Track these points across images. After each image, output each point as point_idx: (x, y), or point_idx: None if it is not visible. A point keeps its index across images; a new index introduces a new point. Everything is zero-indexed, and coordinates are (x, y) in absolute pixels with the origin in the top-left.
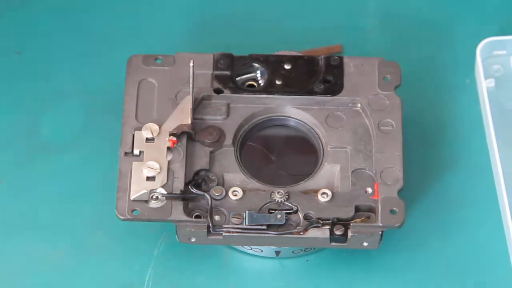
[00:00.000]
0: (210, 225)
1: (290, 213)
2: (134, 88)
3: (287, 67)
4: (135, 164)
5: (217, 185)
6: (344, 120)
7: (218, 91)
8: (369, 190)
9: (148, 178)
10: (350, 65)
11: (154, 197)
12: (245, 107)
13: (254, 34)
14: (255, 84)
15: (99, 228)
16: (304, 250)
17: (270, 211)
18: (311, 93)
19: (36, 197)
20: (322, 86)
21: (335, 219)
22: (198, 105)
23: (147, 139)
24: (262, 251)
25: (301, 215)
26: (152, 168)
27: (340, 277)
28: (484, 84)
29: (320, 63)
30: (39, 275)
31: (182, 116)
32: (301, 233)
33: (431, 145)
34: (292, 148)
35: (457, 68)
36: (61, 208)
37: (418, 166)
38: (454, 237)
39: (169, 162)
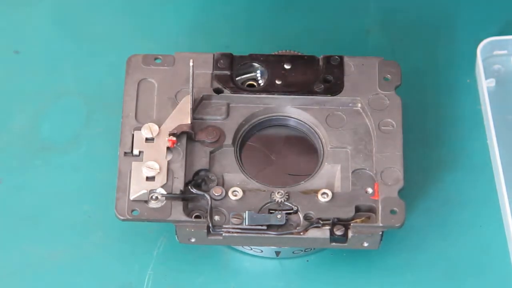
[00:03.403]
0: (210, 225)
1: (290, 213)
2: (134, 88)
3: (287, 67)
4: (134, 164)
5: (217, 185)
6: (344, 120)
7: (218, 91)
8: (370, 190)
9: (147, 178)
10: (350, 65)
11: (153, 197)
12: (245, 107)
13: (254, 34)
14: (255, 84)
15: (99, 228)
16: (304, 251)
17: (270, 211)
18: (311, 93)
19: (36, 197)
20: (322, 86)
21: (335, 219)
22: (198, 105)
23: (146, 139)
24: (262, 251)
25: (301, 215)
26: (152, 168)
27: (340, 277)
28: (484, 84)
29: (320, 63)
30: (39, 275)
31: (182, 116)
32: (301, 233)
33: (431, 145)
34: (292, 148)
35: (457, 68)
36: (61, 208)
37: (418, 166)
38: (454, 237)
39: (168, 162)
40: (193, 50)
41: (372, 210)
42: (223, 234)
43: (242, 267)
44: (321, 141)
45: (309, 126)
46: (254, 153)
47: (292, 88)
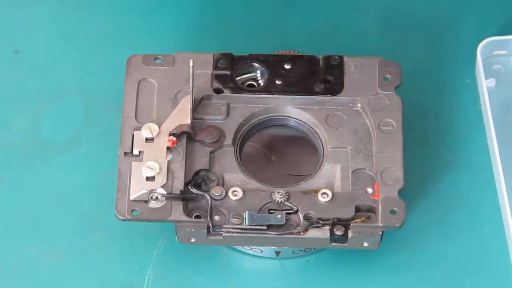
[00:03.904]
0: (210, 225)
1: (290, 213)
2: (134, 88)
3: (287, 67)
4: (134, 164)
5: (217, 185)
6: (344, 120)
7: (218, 91)
8: (370, 190)
9: (147, 178)
10: (350, 65)
11: (153, 197)
12: (245, 107)
13: (254, 34)
14: (255, 84)
15: (99, 228)
16: (304, 251)
17: (270, 211)
18: (311, 93)
19: (36, 197)
20: (322, 86)
21: (335, 219)
22: (198, 105)
23: (146, 139)
24: (262, 251)
25: (301, 215)
26: (152, 168)
27: (340, 277)
28: (484, 84)
29: (320, 63)
30: (39, 275)
31: (182, 116)
32: (301, 233)
33: (431, 145)
34: (292, 148)
35: (457, 67)
36: (61, 208)
37: (418, 166)
38: (454, 237)
39: (168, 162)
40: (193, 50)
41: (372, 210)
42: (223, 234)
43: (242, 267)
44: (321, 141)
45: (309, 126)
46: (254, 153)
47: (292, 88)
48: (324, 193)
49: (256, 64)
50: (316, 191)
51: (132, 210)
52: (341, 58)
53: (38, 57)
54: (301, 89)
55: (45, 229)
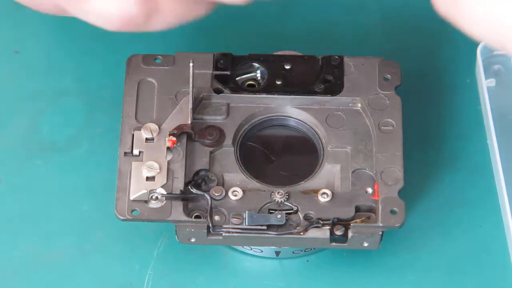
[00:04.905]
0: (210, 225)
1: (290, 213)
2: (134, 88)
3: (287, 67)
4: (134, 164)
5: (217, 185)
6: (344, 120)
7: (218, 91)
8: (370, 190)
9: (147, 178)
10: (350, 65)
11: (153, 197)
12: (245, 107)
13: (254, 34)
14: (255, 84)
15: (99, 228)
16: (304, 251)
17: (270, 211)
18: (311, 93)
19: (36, 197)
20: (322, 86)
21: (335, 219)
22: (198, 105)
23: (146, 139)
24: (262, 251)
25: (301, 215)
26: (152, 168)
27: (340, 277)
28: (484, 84)
29: (320, 63)
30: (39, 275)
31: (182, 116)
32: (301, 233)
33: (431, 145)
34: (292, 148)
35: (457, 68)
36: (61, 208)
37: (418, 166)
38: (454, 237)
39: (168, 162)
40: (193, 50)
41: (372, 210)
42: (223, 234)
43: (242, 267)
44: (321, 141)
45: (309, 126)
46: (254, 153)
47: (292, 88)
48: (324, 193)
49: (256, 64)
50: (316, 191)
51: (132, 210)
52: (341, 58)
53: (38, 57)
54: (301, 89)
55: (45, 229)
